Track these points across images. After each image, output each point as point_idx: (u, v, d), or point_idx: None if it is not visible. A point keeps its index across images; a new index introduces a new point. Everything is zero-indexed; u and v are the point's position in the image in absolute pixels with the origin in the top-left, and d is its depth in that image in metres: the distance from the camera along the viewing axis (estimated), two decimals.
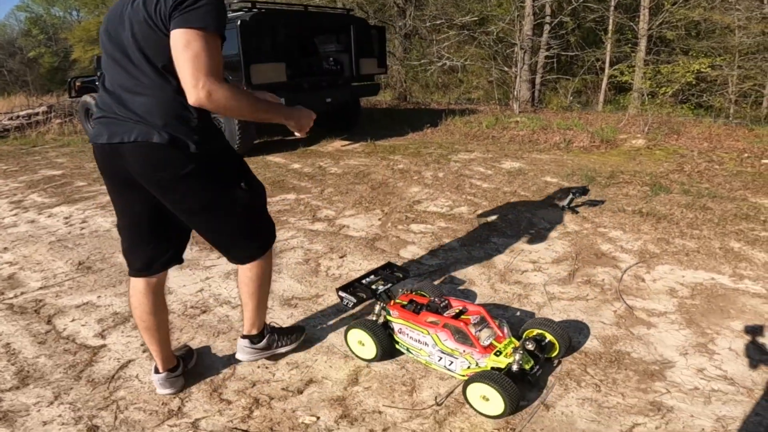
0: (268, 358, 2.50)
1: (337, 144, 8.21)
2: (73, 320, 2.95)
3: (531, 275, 3.36)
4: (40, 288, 3.38)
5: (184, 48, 1.66)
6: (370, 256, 3.73)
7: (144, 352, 2.61)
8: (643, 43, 11.45)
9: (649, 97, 9.59)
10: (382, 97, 15.26)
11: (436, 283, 3.25)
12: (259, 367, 2.47)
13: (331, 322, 2.85)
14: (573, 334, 2.62)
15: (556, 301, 3.02)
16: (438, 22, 15.48)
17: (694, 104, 10.34)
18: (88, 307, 3.10)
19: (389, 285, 2.66)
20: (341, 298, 2.59)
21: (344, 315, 2.91)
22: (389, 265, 2.86)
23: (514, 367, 2.15)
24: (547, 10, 13.75)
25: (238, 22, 6.38)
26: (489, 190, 5.26)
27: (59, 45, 41.19)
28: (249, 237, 2.21)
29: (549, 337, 2.38)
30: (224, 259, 3.65)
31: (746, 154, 6.47)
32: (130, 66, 1.81)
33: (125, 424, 2.11)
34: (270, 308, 2.98)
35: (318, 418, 2.13)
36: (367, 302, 2.64)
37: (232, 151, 2.10)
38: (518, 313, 2.89)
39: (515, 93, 11.60)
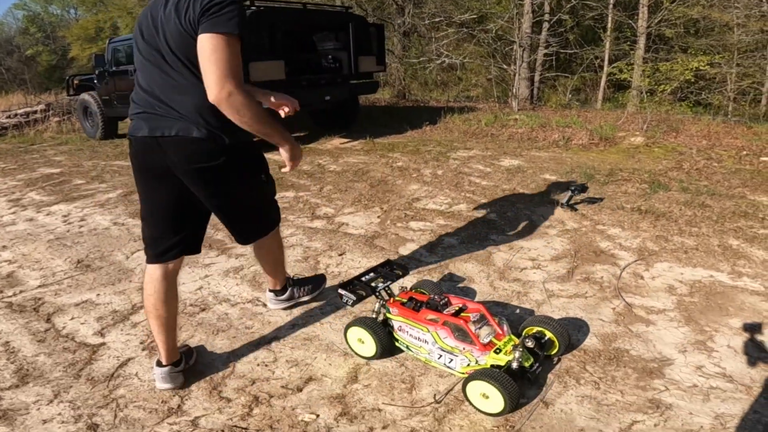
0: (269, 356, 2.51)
1: (336, 142, 8.21)
2: (72, 318, 2.95)
3: (530, 273, 3.36)
4: (39, 286, 3.38)
5: (211, 52, 1.82)
6: (370, 253, 3.73)
7: (144, 350, 2.61)
8: (641, 41, 11.46)
9: (647, 95, 9.58)
10: (381, 95, 15.26)
11: (435, 280, 3.25)
12: (258, 365, 2.47)
13: (330, 320, 2.86)
14: (572, 332, 2.63)
15: (555, 299, 3.02)
16: (437, 19, 15.47)
17: (692, 102, 10.34)
18: (88, 306, 3.10)
19: (389, 282, 2.66)
20: (341, 295, 2.59)
21: (344, 313, 2.91)
22: (388, 263, 2.86)
23: (514, 365, 2.15)
24: (546, 8, 13.77)
25: None
26: (488, 187, 5.26)
27: (57, 43, 41.13)
28: (261, 221, 2.50)
29: (548, 334, 2.38)
30: (223, 258, 3.68)
31: (745, 152, 6.48)
32: (167, 67, 1.98)
33: (125, 422, 2.11)
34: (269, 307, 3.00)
35: (318, 415, 2.13)
36: (366, 300, 2.64)
37: (255, 145, 2.29)
38: (518, 311, 2.90)
39: (514, 91, 11.59)
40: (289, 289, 2.91)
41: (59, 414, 2.17)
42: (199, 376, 2.39)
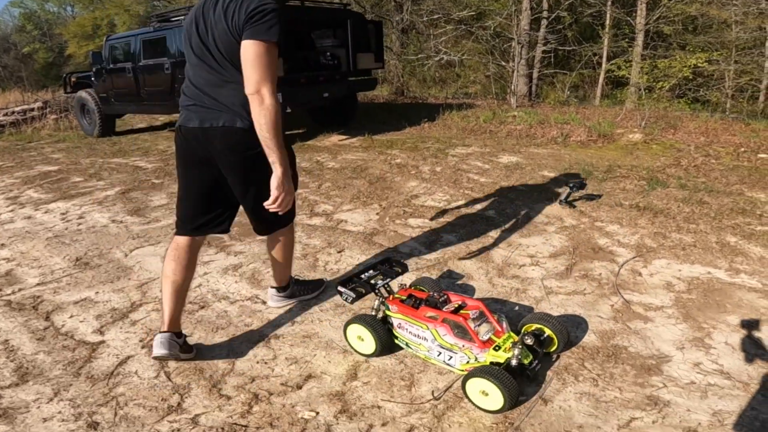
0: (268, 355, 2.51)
1: (335, 138, 8.21)
2: (71, 316, 2.95)
3: (529, 269, 3.37)
4: (38, 284, 3.38)
5: (252, 57, 2.05)
6: (368, 250, 3.73)
7: (143, 348, 2.61)
8: (640, 38, 11.46)
9: (646, 92, 9.59)
10: (380, 92, 15.24)
11: (434, 277, 3.26)
12: (258, 362, 2.48)
13: (330, 317, 2.86)
14: (571, 329, 2.64)
15: (554, 296, 3.03)
16: (435, 16, 15.45)
17: (690, 99, 10.35)
18: (87, 303, 3.10)
19: (388, 280, 2.66)
20: (340, 293, 2.59)
21: (343, 310, 2.92)
22: (388, 260, 2.87)
23: (513, 362, 2.16)
24: (545, 5, 13.76)
25: None
26: (486, 184, 5.26)
27: (54, 41, 40.98)
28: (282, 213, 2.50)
29: (547, 331, 2.39)
30: (222, 255, 3.69)
31: (743, 149, 6.49)
32: (215, 64, 2.21)
33: (125, 420, 2.12)
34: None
35: (317, 413, 2.14)
36: (366, 297, 2.64)
37: (287, 140, 2.38)
38: (516, 308, 2.91)
39: (512, 87, 11.60)
40: (291, 287, 2.97)
41: (59, 412, 2.17)
42: (199, 374, 2.40)
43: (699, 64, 9.47)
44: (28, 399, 2.24)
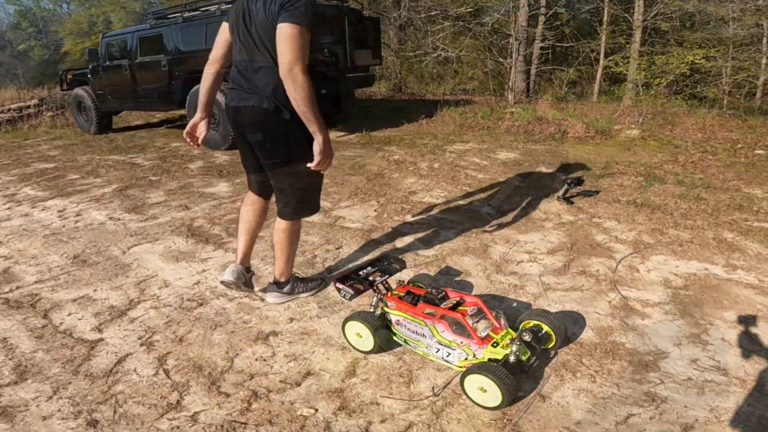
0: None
1: (332, 135, 8.18)
2: (69, 314, 2.95)
3: (527, 266, 3.38)
4: (36, 282, 3.37)
5: (286, 38, 2.26)
6: (367, 247, 3.74)
7: (142, 345, 2.62)
8: (637, 35, 11.46)
9: (643, 88, 9.60)
10: (377, 88, 15.24)
11: (432, 274, 3.26)
12: (257, 360, 2.48)
13: (328, 315, 2.86)
14: (568, 325, 2.64)
15: (552, 292, 3.04)
16: (433, 13, 15.42)
17: (688, 95, 10.36)
18: (85, 301, 3.10)
19: (386, 276, 2.67)
20: (339, 290, 2.60)
21: (341, 307, 2.92)
22: (386, 257, 2.87)
23: (512, 359, 2.16)
24: (542, 2, 13.72)
25: None
26: (484, 180, 5.27)
27: (49, 38, 40.84)
28: (301, 200, 2.75)
29: (545, 328, 2.40)
30: (220, 252, 3.69)
31: (740, 145, 6.51)
32: (254, 50, 2.45)
33: (125, 418, 2.12)
34: (266, 300, 3.01)
35: (316, 410, 2.14)
36: (364, 294, 2.65)
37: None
38: (514, 304, 2.91)
39: (510, 84, 11.60)
40: (291, 282, 2.99)
41: (59, 410, 2.17)
42: (198, 371, 2.40)
43: (696, 61, 9.47)
44: (27, 397, 2.24)
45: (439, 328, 2.33)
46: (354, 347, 2.53)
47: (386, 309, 2.52)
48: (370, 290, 2.60)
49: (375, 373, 2.35)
